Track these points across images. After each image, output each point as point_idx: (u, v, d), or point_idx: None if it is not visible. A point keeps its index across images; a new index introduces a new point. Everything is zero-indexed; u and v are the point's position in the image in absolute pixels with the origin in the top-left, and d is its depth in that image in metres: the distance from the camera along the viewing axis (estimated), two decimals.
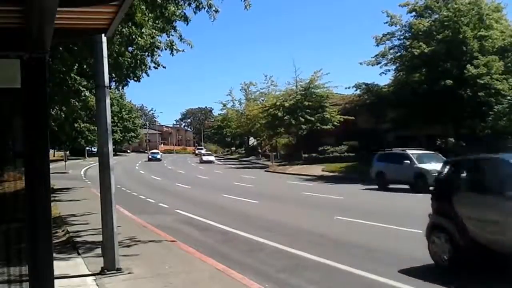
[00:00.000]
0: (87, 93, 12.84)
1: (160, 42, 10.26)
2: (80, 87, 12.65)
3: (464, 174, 7.75)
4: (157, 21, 9.50)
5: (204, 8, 9.41)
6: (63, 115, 17.55)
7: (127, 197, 20.27)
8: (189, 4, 9.45)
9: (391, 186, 20.72)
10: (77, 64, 10.69)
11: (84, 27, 4.82)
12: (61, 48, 9.50)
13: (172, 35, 10.43)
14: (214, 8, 9.49)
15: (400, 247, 9.27)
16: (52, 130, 21.09)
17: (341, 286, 6.97)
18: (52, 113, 15.81)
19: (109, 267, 7.13)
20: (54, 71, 10.80)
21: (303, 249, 9.15)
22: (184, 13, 9.78)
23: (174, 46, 10.37)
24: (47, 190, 4.38)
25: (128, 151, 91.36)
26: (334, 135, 43.77)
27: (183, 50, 10.80)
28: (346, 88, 38.82)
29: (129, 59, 9.77)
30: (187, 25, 9.95)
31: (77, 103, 15.29)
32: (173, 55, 10.48)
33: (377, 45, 32.85)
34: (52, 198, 7.25)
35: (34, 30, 3.76)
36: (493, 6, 29.95)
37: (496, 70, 26.76)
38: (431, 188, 11.55)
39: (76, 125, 26.83)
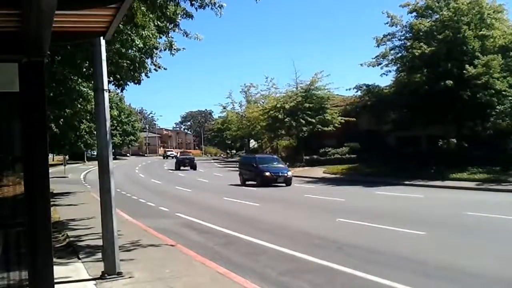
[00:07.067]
0: (90, 92, 12.74)
1: (159, 43, 10.18)
2: (82, 88, 12.60)
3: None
4: (159, 21, 9.40)
5: (208, 6, 9.25)
6: (69, 116, 17.43)
7: (127, 201, 20.21)
8: (192, 4, 9.31)
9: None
10: (78, 66, 10.60)
11: (82, 30, 4.79)
12: (60, 51, 9.45)
13: (172, 37, 10.38)
14: (218, 4, 9.36)
15: (402, 249, 9.23)
16: (54, 133, 21.01)
17: None
18: (56, 112, 15.73)
19: (110, 272, 7.07)
20: (55, 73, 10.75)
21: (305, 252, 9.10)
22: (186, 10, 9.66)
23: (173, 46, 10.28)
24: (47, 194, 4.34)
25: (128, 154, 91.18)
26: (335, 137, 43.67)
27: (183, 49, 10.71)
28: (347, 90, 38.64)
29: (128, 62, 9.69)
30: (192, 19, 9.79)
31: (80, 105, 15.25)
32: (173, 55, 10.38)
33: (378, 46, 32.64)
34: (51, 203, 7.22)
35: (32, 34, 3.73)
36: (494, 6, 29.86)
37: (494, 69, 26.61)
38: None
39: (83, 126, 26.71)
